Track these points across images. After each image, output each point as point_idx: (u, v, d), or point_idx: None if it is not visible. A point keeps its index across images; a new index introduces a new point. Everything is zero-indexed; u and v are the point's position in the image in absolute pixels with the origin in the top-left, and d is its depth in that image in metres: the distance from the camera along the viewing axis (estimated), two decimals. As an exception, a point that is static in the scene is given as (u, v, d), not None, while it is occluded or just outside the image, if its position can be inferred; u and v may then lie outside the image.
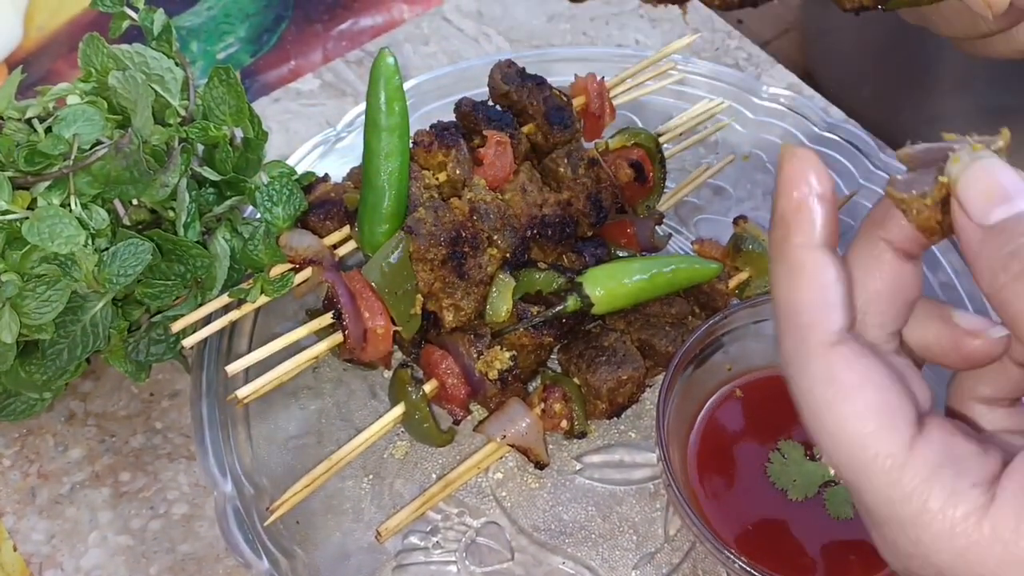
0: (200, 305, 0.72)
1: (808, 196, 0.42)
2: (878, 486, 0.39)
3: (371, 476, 0.77)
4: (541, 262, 0.77)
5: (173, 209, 0.73)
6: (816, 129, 0.93)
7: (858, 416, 0.39)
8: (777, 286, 0.43)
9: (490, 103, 0.82)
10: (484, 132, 0.78)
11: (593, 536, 0.74)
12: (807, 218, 0.42)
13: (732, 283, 0.79)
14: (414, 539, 0.74)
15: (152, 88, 0.74)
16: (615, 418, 0.77)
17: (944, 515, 0.37)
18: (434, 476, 0.76)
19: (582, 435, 0.76)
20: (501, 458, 0.76)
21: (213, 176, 0.76)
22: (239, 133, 0.78)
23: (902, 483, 0.38)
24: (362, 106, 0.79)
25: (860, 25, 0.70)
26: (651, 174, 0.83)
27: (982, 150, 0.40)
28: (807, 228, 0.42)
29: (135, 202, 0.74)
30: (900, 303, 0.45)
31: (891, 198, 0.41)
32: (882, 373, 0.40)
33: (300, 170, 0.82)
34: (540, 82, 0.81)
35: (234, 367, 0.68)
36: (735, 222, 0.81)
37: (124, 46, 0.76)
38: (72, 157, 0.69)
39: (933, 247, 0.49)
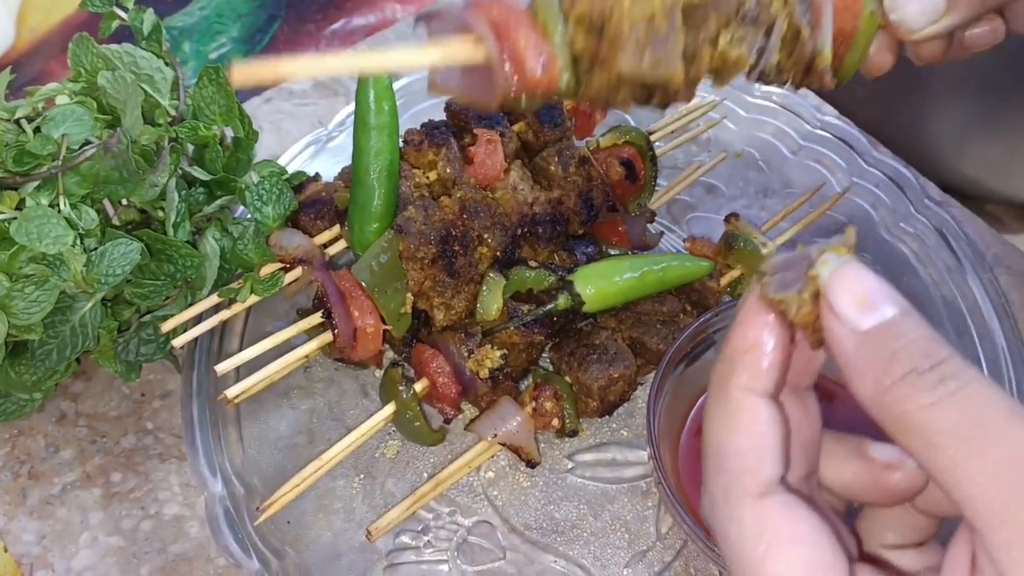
0: (190, 305, 0.72)
1: (761, 339, 0.41)
2: None
3: (362, 475, 0.76)
4: (532, 260, 0.77)
5: (163, 209, 0.73)
6: (809, 127, 0.93)
7: (792, 572, 0.38)
8: (711, 426, 0.42)
9: (481, 102, 0.82)
10: (474, 130, 0.78)
11: (585, 534, 0.74)
12: (755, 362, 0.41)
13: (724, 281, 0.79)
14: (405, 538, 0.74)
15: (142, 88, 0.74)
16: (607, 416, 0.76)
17: None
18: (425, 475, 0.76)
19: (573, 433, 0.76)
20: (492, 457, 0.76)
21: (203, 176, 0.76)
22: (229, 133, 0.78)
23: None
24: (353, 106, 0.78)
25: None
26: (642, 172, 0.83)
27: (845, 253, 0.39)
28: (753, 372, 0.41)
29: (124, 202, 0.74)
30: (799, 445, 0.44)
31: (768, 301, 0.41)
32: (815, 525, 0.39)
33: (291, 170, 0.82)
34: (531, 80, 0.81)
35: (224, 366, 0.68)
36: (727, 220, 0.81)
37: (114, 46, 0.76)
38: (61, 157, 0.69)
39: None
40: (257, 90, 1.04)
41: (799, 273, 0.40)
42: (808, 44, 0.57)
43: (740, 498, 0.39)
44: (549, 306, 0.73)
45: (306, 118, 1.00)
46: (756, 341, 0.41)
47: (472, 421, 0.74)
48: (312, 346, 0.71)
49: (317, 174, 0.81)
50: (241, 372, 0.70)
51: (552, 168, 0.79)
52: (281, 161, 0.87)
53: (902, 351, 0.37)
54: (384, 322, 0.71)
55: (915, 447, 0.36)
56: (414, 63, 0.52)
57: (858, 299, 0.38)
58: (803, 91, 1.00)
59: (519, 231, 0.76)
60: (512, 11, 0.50)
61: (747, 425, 0.40)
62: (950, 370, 0.36)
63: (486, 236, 0.74)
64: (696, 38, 0.53)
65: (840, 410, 0.43)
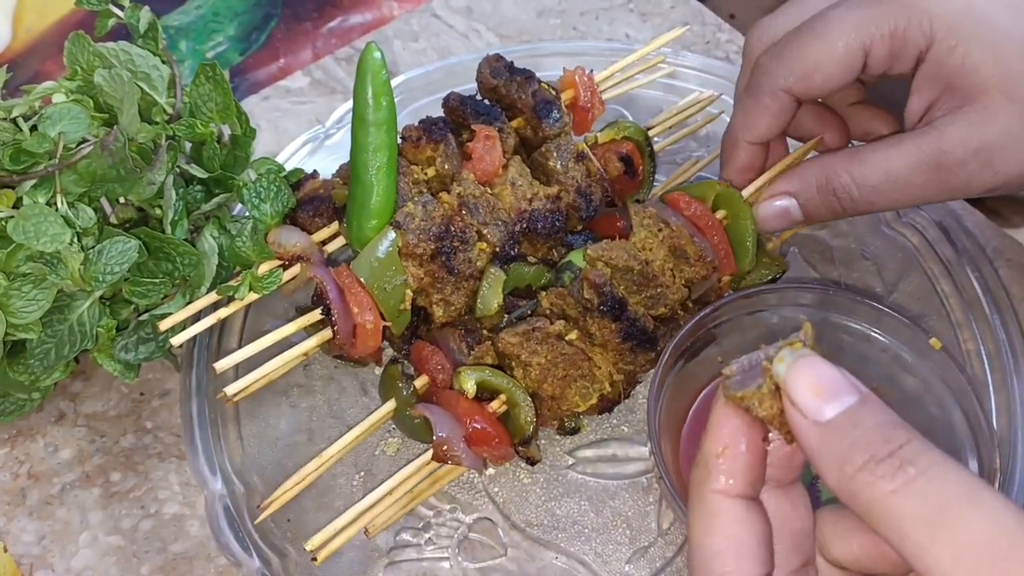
0: (188, 303, 0.72)
1: (733, 442, 0.42)
2: None
3: (363, 473, 0.76)
4: (531, 256, 0.77)
5: (160, 207, 0.73)
6: (807, 121, 0.92)
7: None
8: (692, 529, 0.42)
9: (478, 97, 0.82)
10: (472, 126, 0.77)
11: (586, 531, 0.74)
12: (729, 465, 0.42)
13: (724, 278, 0.79)
14: (406, 536, 0.74)
15: (138, 86, 0.74)
16: (607, 412, 0.76)
17: None
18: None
19: (575, 430, 0.76)
20: (493, 453, 0.75)
21: (200, 173, 0.75)
22: (227, 130, 0.77)
23: None
24: (351, 103, 0.78)
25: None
26: (641, 167, 0.83)
27: (801, 347, 0.41)
28: (727, 475, 0.42)
29: (122, 200, 0.74)
30: (788, 538, 0.44)
31: (731, 400, 0.42)
32: None
33: (289, 167, 0.82)
34: (528, 76, 0.81)
35: (222, 364, 0.68)
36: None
37: (110, 44, 0.75)
38: (58, 155, 0.69)
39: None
40: (254, 88, 1.04)
41: (758, 369, 0.41)
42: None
43: None
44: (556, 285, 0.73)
45: (304, 116, 1.00)
46: (728, 443, 0.42)
47: (472, 418, 0.74)
48: (311, 343, 0.71)
49: (315, 171, 0.81)
50: (240, 370, 0.70)
51: (551, 164, 0.78)
52: (279, 159, 0.86)
53: (861, 439, 0.37)
54: (383, 318, 0.71)
55: (884, 533, 0.36)
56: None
57: (816, 391, 0.39)
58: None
59: (518, 227, 0.75)
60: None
61: (724, 527, 0.41)
62: (909, 455, 0.36)
63: (485, 232, 0.74)
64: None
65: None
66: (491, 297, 0.73)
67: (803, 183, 0.70)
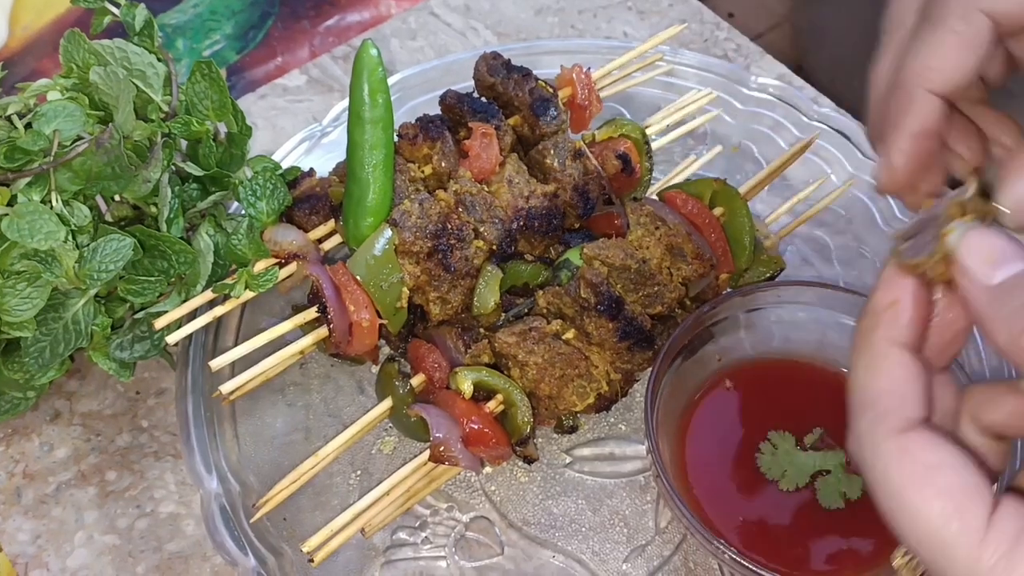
0: (184, 301, 0.72)
1: (901, 297, 0.45)
2: (961, 562, 0.40)
3: (359, 471, 0.76)
4: (528, 254, 0.77)
5: (156, 205, 0.72)
6: (806, 119, 0.92)
7: (938, 495, 0.41)
8: (856, 372, 0.45)
9: (475, 95, 0.81)
10: (469, 124, 0.77)
11: (583, 529, 0.73)
12: (896, 316, 0.45)
13: (721, 276, 0.79)
14: (403, 535, 0.73)
15: (134, 83, 0.73)
16: (605, 411, 0.76)
17: None
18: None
19: (572, 429, 0.75)
20: (490, 452, 0.75)
21: (196, 171, 0.75)
22: (223, 128, 0.77)
23: (984, 558, 0.40)
24: (348, 101, 0.78)
25: (852, 18, 0.71)
26: (638, 165, 0.82)
27: (971, 219, 0.44)
28: (894, 324, 0.45)
29: (117, 198, 0.73)
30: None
31: (905, 267, 0.46)
32: (957, 455, 0.42)
33: (286, 165, 0.82)
34: (526, 73, 0.80)
35: (218, 362, 0.68)
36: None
37: (105, 41, 0.75)
38: (53, 153, 0.69)
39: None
40: (251, 86, 1.03)
41: (928, 237, 0.45)
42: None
43: (885, 433, 0.43)
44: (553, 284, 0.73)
45: (300, 114, 1.00)
46: (896, 299, 0.46)
47: (469, 416, 0.73)
48: (307, 341, 0.71)
49: (311, 169, 0.81)
50: (236, 368, 0.70)
51: (548, 161, 0.78)
52: (275, 157, 0.86)
53: None
54: (380, 316, 0.71)
55: None
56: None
57: (986, 257, 0.42)
58: (800, 83, 1.00)
59: (515, 225, 0.75)
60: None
61: (890, 370, 0.45)
62: None
63: (482, 230, 0.73)
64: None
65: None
66: (488, 295, 0.73)
67: None
